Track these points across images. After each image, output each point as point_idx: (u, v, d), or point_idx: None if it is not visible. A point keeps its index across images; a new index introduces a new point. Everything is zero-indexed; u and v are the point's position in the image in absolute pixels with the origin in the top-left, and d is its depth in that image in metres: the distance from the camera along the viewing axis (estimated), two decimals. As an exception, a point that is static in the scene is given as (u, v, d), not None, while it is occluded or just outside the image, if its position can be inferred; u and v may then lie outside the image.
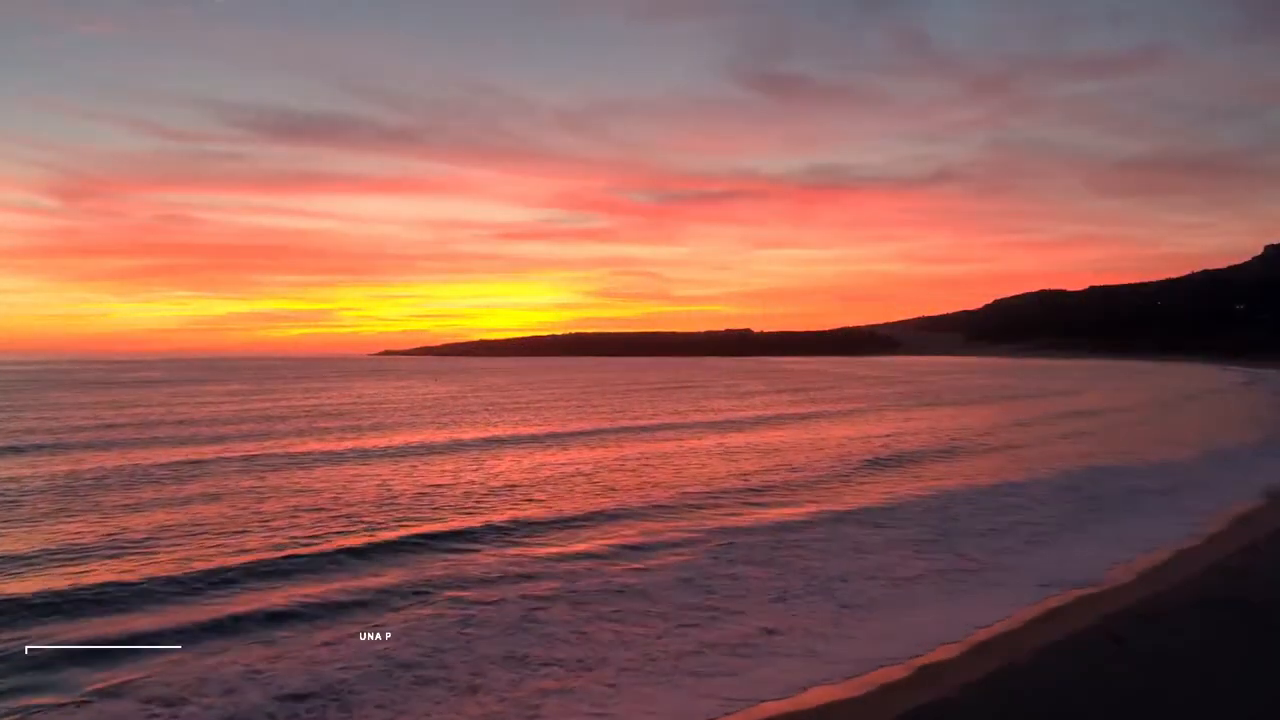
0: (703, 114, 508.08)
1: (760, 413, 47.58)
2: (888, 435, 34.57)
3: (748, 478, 22.97)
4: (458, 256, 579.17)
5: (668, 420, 42.60)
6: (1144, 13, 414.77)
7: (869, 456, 27.38)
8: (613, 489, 21.03)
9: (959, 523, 17.07)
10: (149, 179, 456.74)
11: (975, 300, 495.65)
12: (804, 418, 44.20)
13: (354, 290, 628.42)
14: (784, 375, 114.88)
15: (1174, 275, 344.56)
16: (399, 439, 33.05)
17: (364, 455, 27.91)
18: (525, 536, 15.73)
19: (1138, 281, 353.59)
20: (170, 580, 12.45)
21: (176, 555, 13.97)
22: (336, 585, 12.32)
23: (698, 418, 44.21)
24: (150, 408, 51.62)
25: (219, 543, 14.87)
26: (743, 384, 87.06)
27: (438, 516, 17.39)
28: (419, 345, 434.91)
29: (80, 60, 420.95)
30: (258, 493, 20.15)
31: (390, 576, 12.84)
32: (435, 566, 13.47)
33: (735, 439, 33.37)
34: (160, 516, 17.21)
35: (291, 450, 29.00)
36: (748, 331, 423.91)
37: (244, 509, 18.03)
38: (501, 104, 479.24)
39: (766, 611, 11.29)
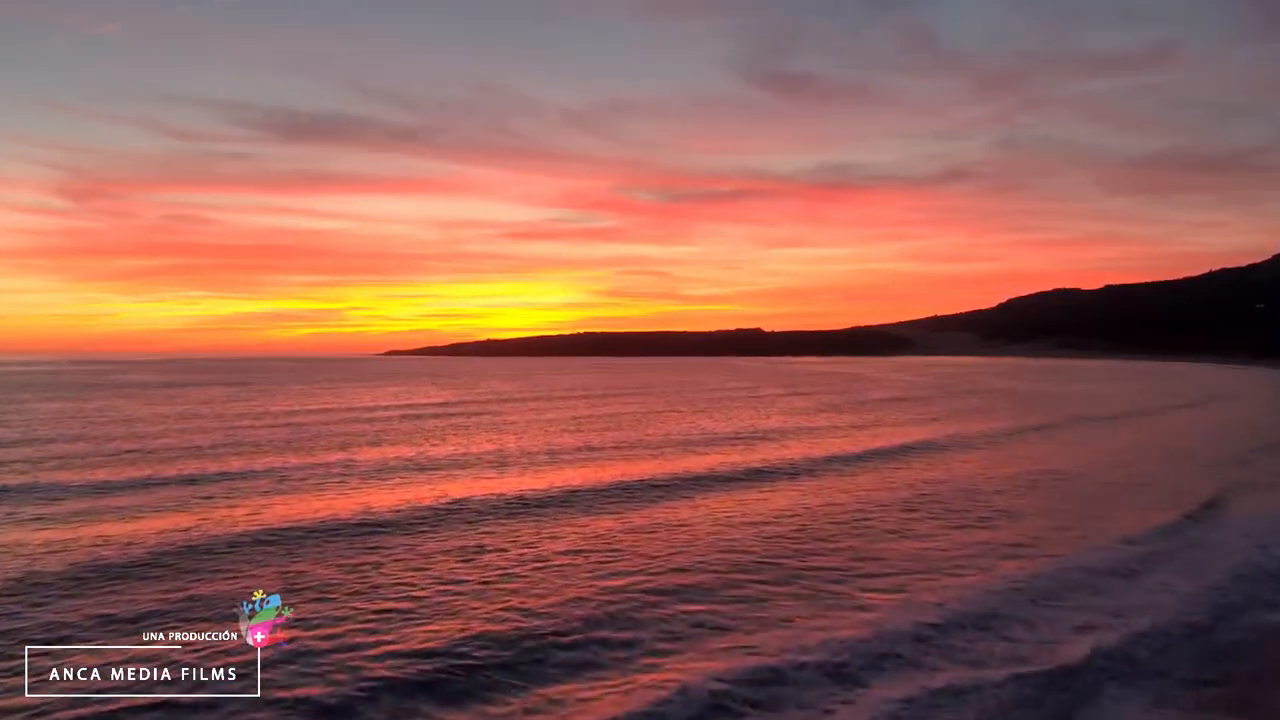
0: (710, 113, 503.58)
1: (986, 427, 43.18)
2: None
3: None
4: (465, 256, 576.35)
5: (900, 440, 37.33)
6: (1156, 10, 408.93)
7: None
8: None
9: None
10: (157, 179, 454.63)
11: (987, 299, 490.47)
12: (1013, 434, 40.48)
13: (362, 290, 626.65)
14: (826, 379, 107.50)
15: (1189, 274, 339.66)
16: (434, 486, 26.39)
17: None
18: None
19: (1152, 280, 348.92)
20: None
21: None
22: None
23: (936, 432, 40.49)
24: (105, 417, 46.08)
25: None
26: (799, 390, 79.46)
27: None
28: (426, 345, 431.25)
29: (89, 61, 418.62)
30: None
31: None
32: None
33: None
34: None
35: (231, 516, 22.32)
36: (759, 331, 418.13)
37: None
38: (509, 104, 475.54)
39: None
